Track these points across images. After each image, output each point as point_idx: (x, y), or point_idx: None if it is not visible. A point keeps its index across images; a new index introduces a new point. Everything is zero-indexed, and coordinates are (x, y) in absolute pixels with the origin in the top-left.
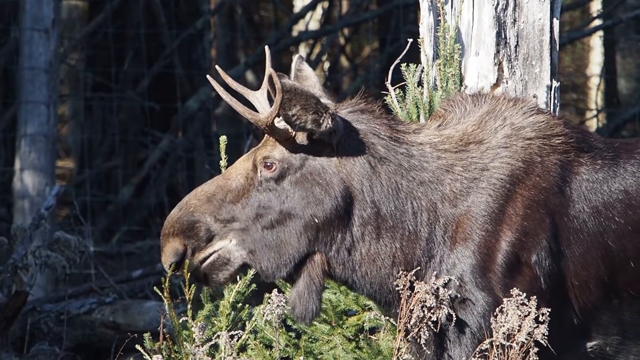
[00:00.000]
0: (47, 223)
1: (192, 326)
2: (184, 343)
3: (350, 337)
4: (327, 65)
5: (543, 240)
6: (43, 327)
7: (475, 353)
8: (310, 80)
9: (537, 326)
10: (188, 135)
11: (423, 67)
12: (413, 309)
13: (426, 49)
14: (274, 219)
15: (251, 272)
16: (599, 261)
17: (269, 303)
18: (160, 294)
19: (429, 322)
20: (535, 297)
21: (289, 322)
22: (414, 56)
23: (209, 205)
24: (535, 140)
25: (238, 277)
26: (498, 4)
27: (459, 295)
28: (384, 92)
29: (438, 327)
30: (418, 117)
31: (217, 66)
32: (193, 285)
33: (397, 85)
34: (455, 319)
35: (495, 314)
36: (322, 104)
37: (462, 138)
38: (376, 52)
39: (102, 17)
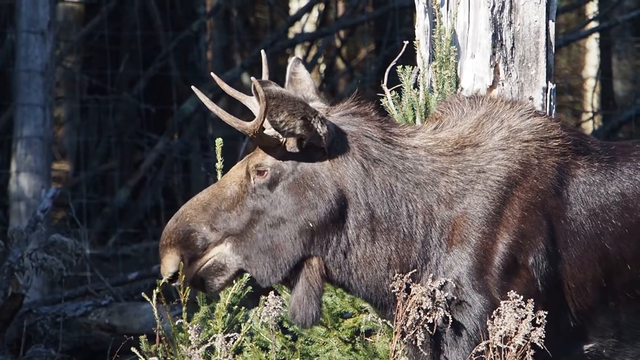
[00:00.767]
0: (43, 225)
1: (188, 328)
2: (180, 345)
3: (347, 339)
4: (323, 67)
5: (540, 242)
6: (39, 330)
7: (472, 356)
8: (304, 83)
9: (534, 329)
10: (184, 138)
11: (419, 69)
12: (409, 311)
13: (422, 51)
14: (269, 224)
15: (247, 275)
16: (595, 264)
17: (265, 305)
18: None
19: (425, 325)
20: (532, 299)
21: (285, 325)
22: (410, 58)
23: (205, 214)
24: (532, 142)
25: (234, 280)
26: (494, 6)
27: (455, 298)
28: (380, 94)
29: (434, 330)
30: (414, 119)
31: (212, 73)
32: (188, 287)
33: (393, 88)
34: (451, 321)
35: (492, 316)
36: (310, 109)
37: (458, 141)
38: (372, 54)
39: (98, 20)
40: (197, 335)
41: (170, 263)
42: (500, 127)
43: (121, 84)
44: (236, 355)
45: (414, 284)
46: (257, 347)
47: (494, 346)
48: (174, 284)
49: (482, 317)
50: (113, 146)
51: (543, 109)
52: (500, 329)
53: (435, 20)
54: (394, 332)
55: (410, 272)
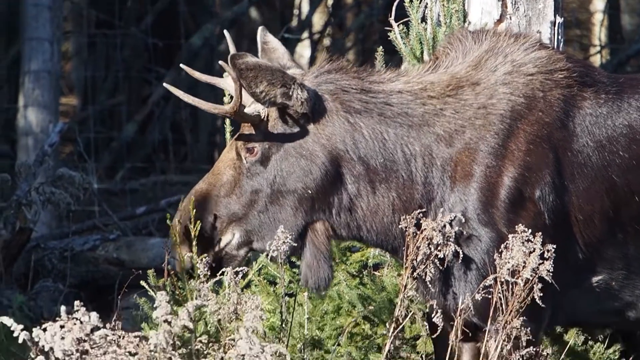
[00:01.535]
0: (51, 160)
1: (197, 262)
2: (189, 280)
3: (354, 273)
4: (330, 1)
5: (547, 175)
6: (47, 264)
7: (479, 289)
8: (278, 51)
9: (542, 262)
10: None
11: (427, 3)
12: (420, 246)
13: None
14: (268, 200)
15: None
16: (603, 195)
17: (275, 240)
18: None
19: (436, 260)
20: (539, 232)
21: (294, 259)
22: None
23: (206, 204)
24: (537, 75)
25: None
26: None
27: (463, 232)
28: (388, 29)
29: (444, 264)
30: (422, 53)
31: (182, 64)
32: (198, 221)
33: (401, 22)
34: (461, 255)
35: (500, 250)
36: (288, 76)
37: (451, 83)
38: None
39: None
40: (205, 269)
41: (184, 259)
42: (503, 61)
43: (129, 19)
44: (244, 290)
45: (424, 218)
46: (266, 281)
47: (502, 280)
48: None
49: (490, 251)
50: (121, 80)
51: (551, 42)
52: (508, 262)
53: None
54: (404, 267)
55: (418, 211)
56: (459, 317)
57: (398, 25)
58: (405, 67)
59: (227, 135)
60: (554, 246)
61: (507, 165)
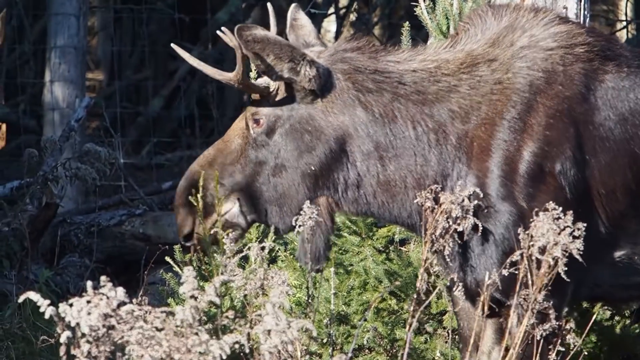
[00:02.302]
0: (77, 135)
1: (223, 238)
2: (215, 255)
3: (381, 248)
4: None
5: (567, 149)
6: (73, 239)
7: (506, 264)
8: (305, 28)
9: (573, 241)
10: (218, 47)
11: None
12: (439, 220)
13: None
14: (271, 174)
15: None
16: (626, 169)
17: (301, 214)
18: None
19: (455, 234)
20: (560, 207)
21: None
22: None
23: (212, 170)
24: (556, 50)
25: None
26: None
27: (481, 207)
28: (414, 4)
29: (463, 239)
30: (448, 28)
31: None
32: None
33: None
34: (480, 229)
35: (527, 225)
36: (298, 52)
37: (465, 61)
38: None
39: None
40: (232, 245)
41: (183, 223)
42: (521, 36)
43: None
44: (270, 265)
45: (442, 192)
46: (292, 256)
47: (533, 257)
48: (188, 244)
49: (509, 226)
50: (147, 55)
51: (577, 17)
52: (539, 240)
53: None
54: (423, 242)
55: (434, 186)
56: (485, 293)
57: (424, 0)
58: (430, 42)
59: None
60: (585, 224)
61: (526, 140)
